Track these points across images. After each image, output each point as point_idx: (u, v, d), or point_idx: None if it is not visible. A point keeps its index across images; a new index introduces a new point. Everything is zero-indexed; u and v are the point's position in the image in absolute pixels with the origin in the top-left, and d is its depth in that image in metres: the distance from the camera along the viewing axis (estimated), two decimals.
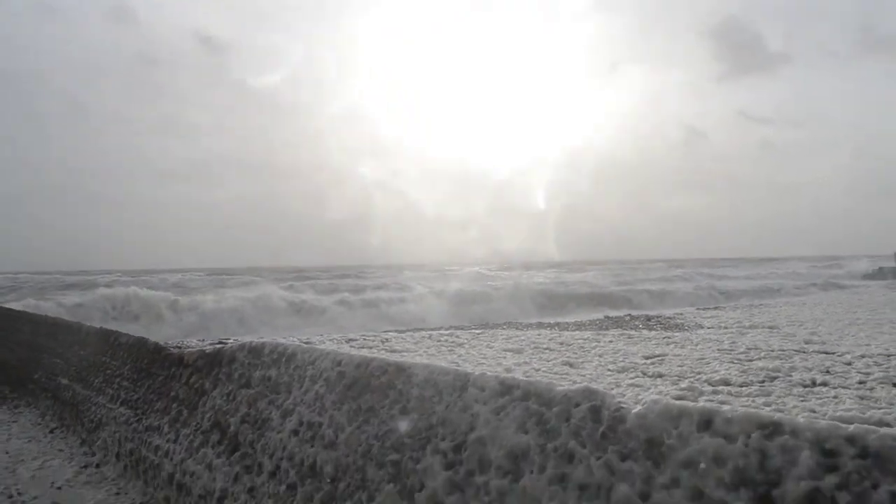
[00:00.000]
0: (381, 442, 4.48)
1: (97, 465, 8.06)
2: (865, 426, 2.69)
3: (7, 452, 8.76)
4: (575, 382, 5.28)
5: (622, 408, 3.39)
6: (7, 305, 20.50)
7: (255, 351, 6.33)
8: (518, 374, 5.77)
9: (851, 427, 2.71)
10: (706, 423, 3.05)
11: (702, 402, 3.89)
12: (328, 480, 4.72)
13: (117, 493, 7.13)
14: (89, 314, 26.65)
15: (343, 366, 5.21)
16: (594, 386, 3.64)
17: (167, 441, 6.84)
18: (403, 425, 4.44)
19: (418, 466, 4.10)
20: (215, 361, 6.83)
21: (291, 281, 48.82)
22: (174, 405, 7.14)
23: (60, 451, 8.83)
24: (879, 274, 51.42)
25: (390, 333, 10.15)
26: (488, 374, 4.21)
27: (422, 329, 11.81)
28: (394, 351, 7.68)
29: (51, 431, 9.84)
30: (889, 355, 6.62)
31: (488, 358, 7.10)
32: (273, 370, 5.93)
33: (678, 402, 3.21)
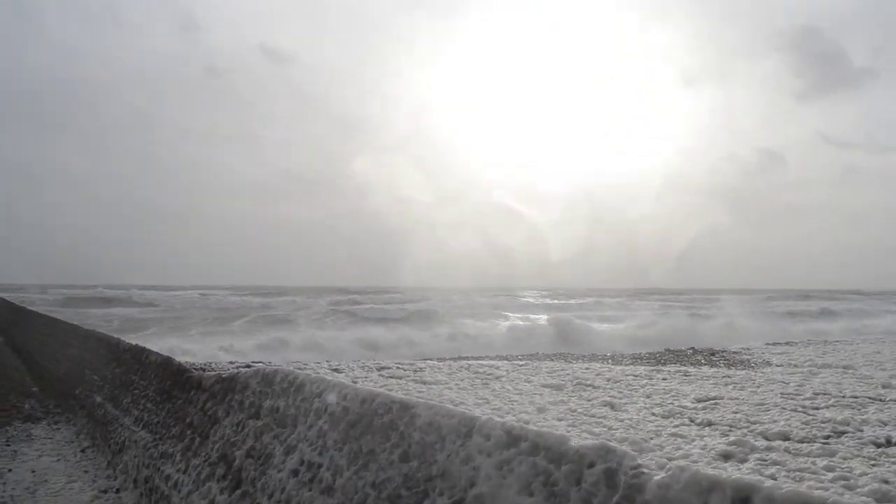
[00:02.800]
0: (378, 492, 3.97)
1: (117, 490, 7.77)
2: None
3: (33, 471, 8.57)
4: (611, 429, 4.69)
5: (643, 473, 2.80)
6: (66, 319, 20.79)
7: (267, 379, 5.92)
8: (548, 417, 5.21)
9: None
10: (743, 500, 2.44)
11: (742, 471, 3.27)
12: None
13: None
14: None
15: (348, 401, 4.73)
16: (612, 444, 3.05)
17: (178, 471, 6.47)
18: (402, 474, 3.92)
19: None
20: (230, 387, 6.45)
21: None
22: (188, 432, 6.78)
23: (86, 472, 8.60)
24: None
25: (428, 362, 9.64)
26: (495, 420, 3.66)
27: (465, 358, 11.26)
28: (424, 382, 7.17)
29: (82, 451, 9.65)
30: None
31: (523, 394, 6.51)
32: (282, 400, 5.50)
33: (709, 473, 2.61)
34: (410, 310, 43.36)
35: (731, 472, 3.02)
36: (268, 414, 5.59)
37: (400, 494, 3.82)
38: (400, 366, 8.59)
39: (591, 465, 2.99)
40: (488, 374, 7.91)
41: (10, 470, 8.59)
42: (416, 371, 8.03)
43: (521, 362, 9.74)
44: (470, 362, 9.46)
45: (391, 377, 7.52)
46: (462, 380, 7.42)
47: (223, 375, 6.76)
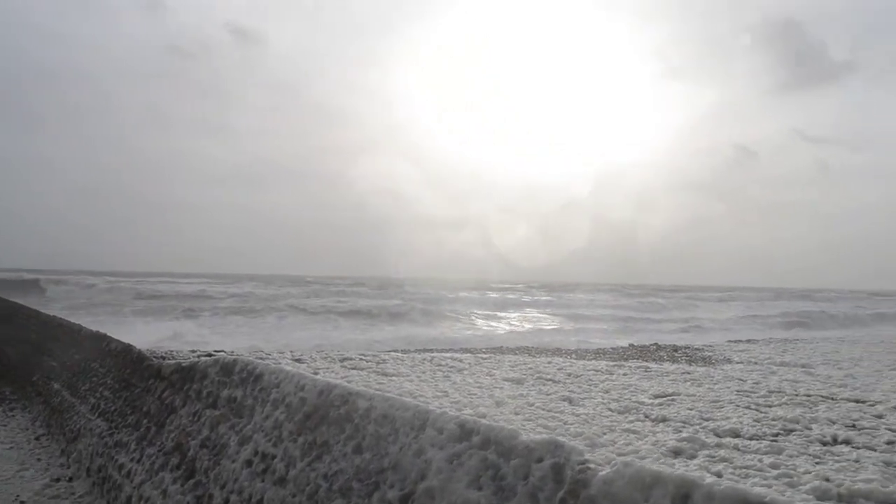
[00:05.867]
0: (330, 484, 3.95)
1: (69, 479, 7.65)
2: None
3: None
4: (566, 424, 4.71)
5: (589, 469, 2.81)
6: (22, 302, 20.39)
7: (226, 368, 5.87)
8: (505, 410, 5.22)
9: None
10: (683, 497, 2.47)
11: (690, 467, 3.30)
12: None
13: None
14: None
15: (305, 391, 4.71)
16: (561, 439, 3.07)
17: (131, 460, 6.39)
18: (355, 466, 3.91)
19: None
20: (188, 376, 6.39)
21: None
22: (144, 421, 6.70)
23: (39, 460, 8.46)
24: None
25: (392, 354, 9.60)
26: (449, 413, 3.67)
27: (429, 351, 11.25)
28: (386, 374, 7.14)
29: (36, 438, 9.49)
30: None
31: (483, 387, 6.52)
32: (240, 390, 5.45)
33: (653, 469, 2.63)
34: (366, 305, 41.96)
35: (679, 469, 3.05)
36: (225, 404, 5.54)
37: (351, 487, 3.81)
38: (363, 357, 8.55)
39: (540, 460, 3.00)
40: (451, 367, 7.92)
41: None
42: (378, 363, 8.00)
43: (485, 356, 9.76)
44: (434, 355, 9.46)
45: (353, 368, 7.48)
46: (424, 372, 7.42)
47: (183, 364, 6.68)
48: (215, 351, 9.17)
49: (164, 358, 7.77)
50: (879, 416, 5.38)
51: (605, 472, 2.73)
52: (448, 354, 9.71)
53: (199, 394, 5.99)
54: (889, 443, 4.36)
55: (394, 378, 6.84)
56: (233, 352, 8.55)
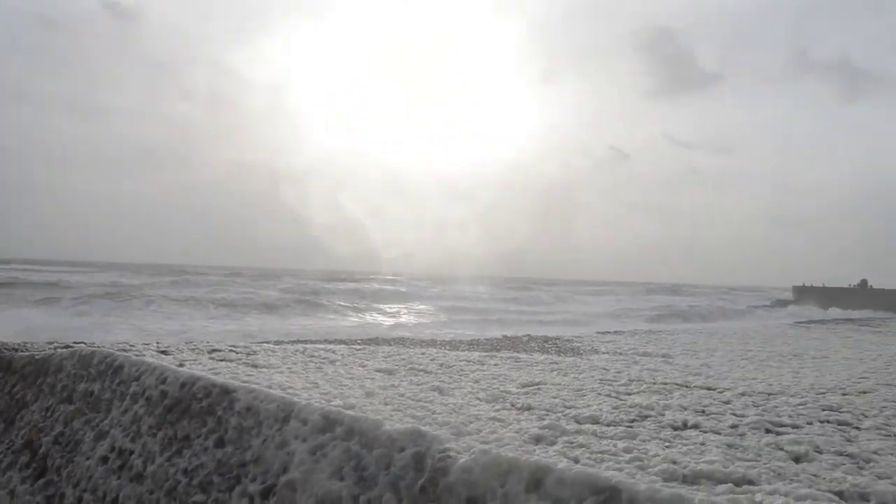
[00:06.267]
0: (190, 479, 3.84)
1: None
2: (709, 499, 2.23)
3: None
4: (434, 413, 4.76)
5: (449, 457, 2.87)
6: None
7: (83, 360, 5.60)
8: (375, 401, 5.22)
9: (698, 498, 2.25)
10: (537, 482, 2.56)
11: (549, 453, 3.41)
12: None
13: None
14: None
15: (167, 384, 4.56)
16: (423, 428, 3.11)
17: None
18: (216, 460, 3.81)
19: None
20: (42, 369, 6.05)
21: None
22: None
23: None
24: (778, 305, 53.40)
25: (264, 345, 9.42)
26: (314, 404, 3.64)
27: (303, 342, 11.11)
28: (256, 366, 6.99)
29: None
30: (770, 394, 6.34)
31: (355, 378, 6.50)
32: (97, 384, 5.21)
33: (509, 456, 2.71)
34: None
35: (539, 455, 3.15)
36: (81, 398, 5.28)
37: (212, 481, 3.72)
38: (233, 349, 8.33)
39: (402, 450, 3.03)
40: (323, 359, 7.84)
41: None
42: (248, 354, 7.82)
43: (359, 346, 9.74)
44: (307, 346, 9.34)
45: (222, 360, 7.28)
46: (295, 364, 7.31)
47: (36, 357, 6.32)
48: (74, 343, 8.70)
49: (15, 350, 7.31)
50: (727, 402, 5.74)
51: (464, 459, 2.78)
52: (322, 346, 9.62)
53: (54, 388, 5.68)
54: (733, 426, 4.67)
55: (264, 370, 6.70)
56: (93, 343, 8.15)
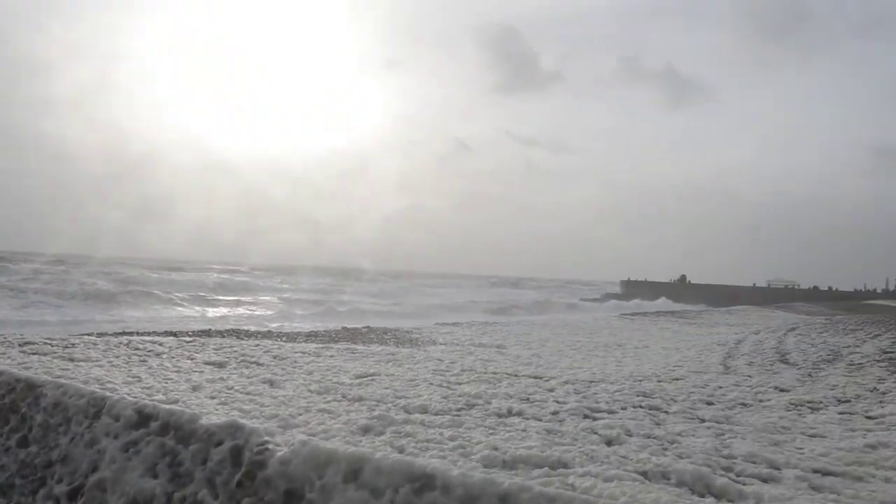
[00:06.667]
0: None
1: None
2: (520, 483, 2.32)
3: None
4: (263, 406, 4.65)
5: (267, 450, 2.80)
6: None
7: None
8: (201, 395, 5.03)
9: (506, 484, 2.33)
10: (354, 472, 2.55)
11: (376, 443, 3.42)
12: None
13: None
14: None
15: None
16: (241, 421, 3.02)
17: None
18: (19, 461, 3.53)
19: None
20: None
21: None
22: None
23: None
24: (606, 298, 56.67)
25: (84, 337, 8.84)
26: (127, 399, 3.46)
27: (128, 334, 10.53)
28: (73, 360, 6.54)
29: None
30: (591, 381, 6.70)
31: (181, 371, 6.23)
32: None
33: (327, 447, 2.69)
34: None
35: (365, 445, 3.15)
36: None
37: (13, 484, 3.44)
38: (48, 341, 7.76)
39: (219, 444, 2.93)
40: (149, 351, 7.47)
41: None
42: (65, 347, 7.31)
43: (189, 339, 9.34)
44: (132, 339, 8.85)
45: (35, 354, 6.76)
46: (118, 357, 6.91)
47: None
48: None
49: None
50: (551, 390, 6.00)
51: (282, 452, 2.73)
52: (149, 338, 9.14)
53: None
54: (554, 413, 4.89)
55: (81, 364, 6.29)
56: None
